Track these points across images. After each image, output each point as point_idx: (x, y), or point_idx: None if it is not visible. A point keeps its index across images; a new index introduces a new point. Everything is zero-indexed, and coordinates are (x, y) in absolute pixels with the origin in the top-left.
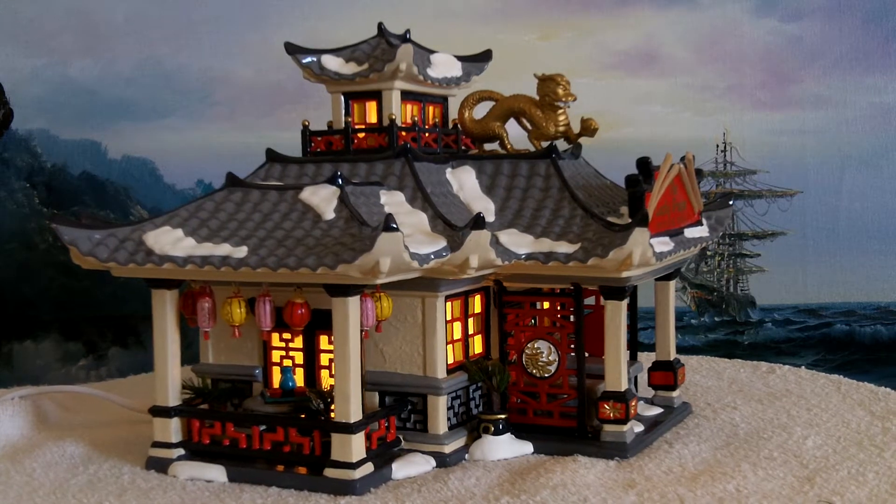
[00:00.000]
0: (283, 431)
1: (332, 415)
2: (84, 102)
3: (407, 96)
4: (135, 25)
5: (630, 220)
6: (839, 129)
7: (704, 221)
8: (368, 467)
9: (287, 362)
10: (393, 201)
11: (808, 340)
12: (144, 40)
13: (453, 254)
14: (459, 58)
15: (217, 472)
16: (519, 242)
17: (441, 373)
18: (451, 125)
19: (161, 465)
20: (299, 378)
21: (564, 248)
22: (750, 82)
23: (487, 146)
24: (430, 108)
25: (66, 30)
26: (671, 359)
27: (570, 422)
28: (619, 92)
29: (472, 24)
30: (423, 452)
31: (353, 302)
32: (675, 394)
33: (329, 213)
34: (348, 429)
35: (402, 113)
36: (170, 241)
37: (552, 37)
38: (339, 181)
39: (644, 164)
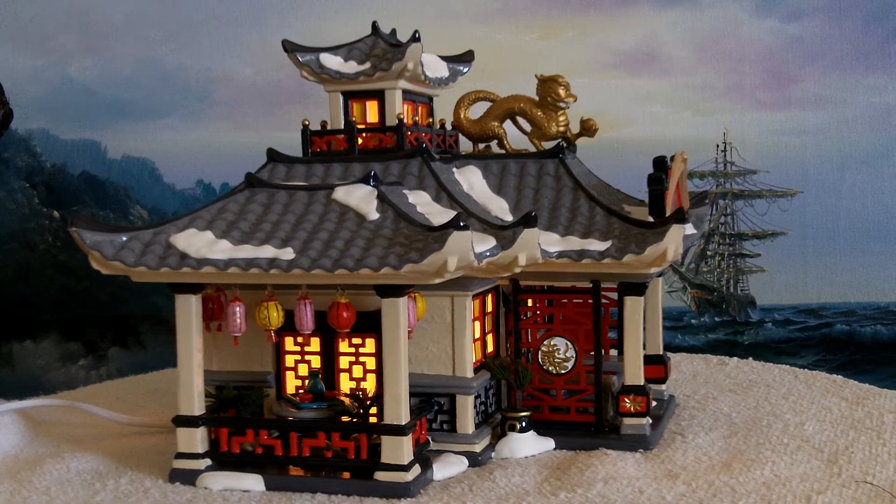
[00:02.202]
0: (325, 436)
1: (373, 418)
2: (84, 102)
3: (403, 96)
4: (135, 25)
5: (651, 218)
6: (839, 129)
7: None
8: (417, 469)
9: (303, 367)
10: (421, 201)
11: (808, 340)
12: (144, 40)
13: (504, 252)
14: (443, 58)
15: (254, 482)
16: (546, 240)
17: (470, 372)
18: (438, 125)
19: (187, 477)
20: None
21: (596, 245)
22: (750, 82)
23: (478, 146)
24: (420, 108)
25: (66, 30)
26: (661, 353)
27: (587, 417)
28: (619, 92)
29: (472, 24)
30: (454, 452)
31: (404, 303)
32: (663, 387)
33: (373, 214)
34: (400, 431)
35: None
36: (203, 243)
37: (552, 37)
38: (373, 181)
39: (662, 164)
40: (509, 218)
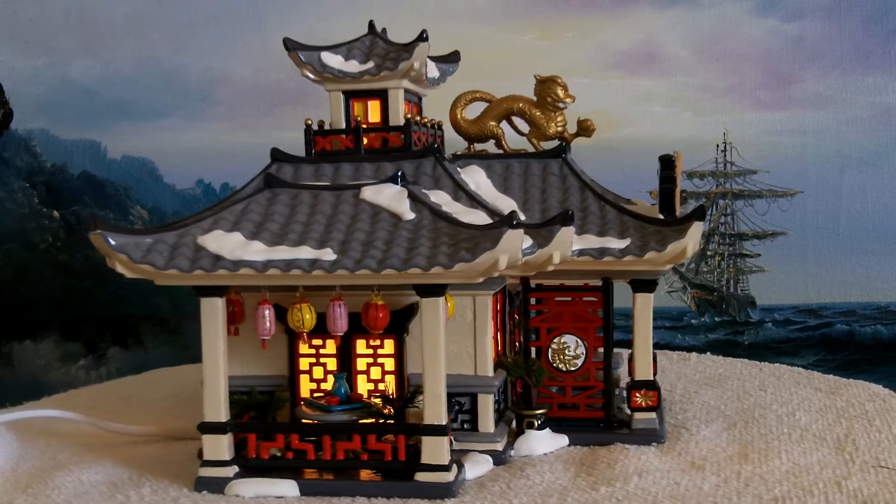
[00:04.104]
0: (361, 439)
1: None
2: (84, 102)
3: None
4: (135, 25)
5: (662, 216)
6: (839, 129)
7: None
8: (455, 469)
9: (318, 370)
10: (442, 200)
11: (808, 340)
12: (144, 40)
13: (540, 250)
14: (431, 58)
15: (288, 488)
16: None
17: (491, 371)
18: (430, 124)
19: (215, 486)
20: (328, 385)
21: (615, 243)
22: (750, 82)
23: (473, 146)
24: (413, 108)
25: (66, 30)
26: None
27: (595, 413)
28: (619, 92)
29: (472, 24)
30: (478, 451)
31: (443, 302)
32: None
33: (408, 213)
34: (441, 431)
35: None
36: (235, 244)
37: (552, 37)
38: (401, 180)
39: (670, 162)
40: (521, 218)
